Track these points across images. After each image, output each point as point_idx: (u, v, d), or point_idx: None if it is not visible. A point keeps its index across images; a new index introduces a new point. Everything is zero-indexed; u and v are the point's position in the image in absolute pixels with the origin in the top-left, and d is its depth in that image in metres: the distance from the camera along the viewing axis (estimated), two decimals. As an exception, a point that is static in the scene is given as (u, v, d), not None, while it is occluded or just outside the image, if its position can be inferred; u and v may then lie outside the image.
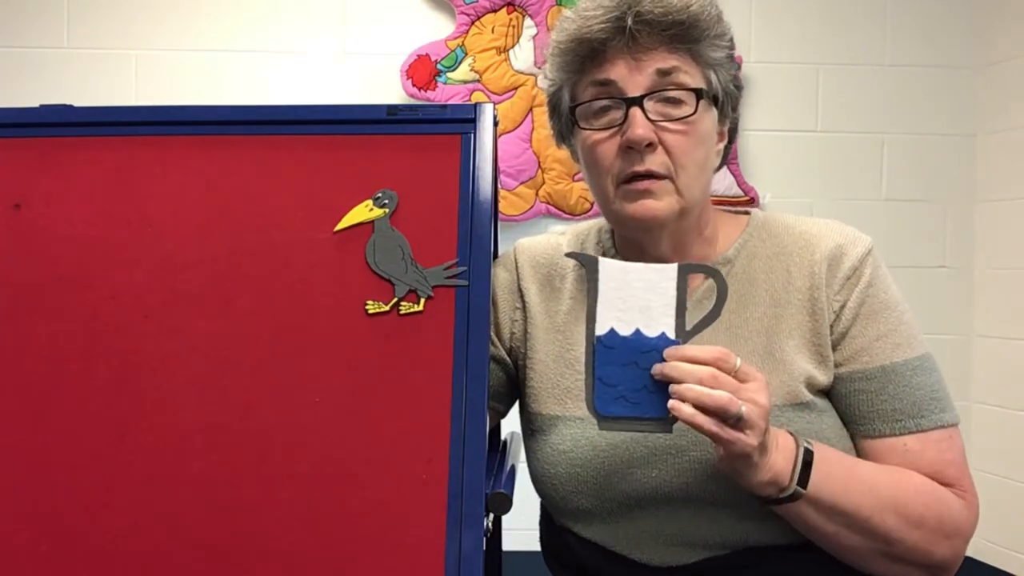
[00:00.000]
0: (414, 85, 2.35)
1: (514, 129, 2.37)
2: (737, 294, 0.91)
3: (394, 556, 0.79)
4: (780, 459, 0.79)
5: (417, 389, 0.81)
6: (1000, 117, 2.43)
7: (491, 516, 0.84)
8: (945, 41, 2.48)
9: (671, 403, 0.70)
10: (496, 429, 1.04)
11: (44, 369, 0.84)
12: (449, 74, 2.36)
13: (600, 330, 0.70)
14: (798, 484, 0.78)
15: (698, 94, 0.85)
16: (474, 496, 0.80)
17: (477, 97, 2.36)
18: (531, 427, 0.98)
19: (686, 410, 0.70)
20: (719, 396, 0.70)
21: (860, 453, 0.89)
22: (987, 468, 2.45)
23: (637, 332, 0.71)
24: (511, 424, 1.06)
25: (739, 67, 0.92)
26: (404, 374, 0.80)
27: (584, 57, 0.88)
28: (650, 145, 0.84)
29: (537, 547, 1.05)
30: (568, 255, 0.85)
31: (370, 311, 0.83)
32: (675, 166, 0.86)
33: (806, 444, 0.81)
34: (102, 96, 2.37)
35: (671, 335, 0.71)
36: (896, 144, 2.49)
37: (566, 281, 0.98)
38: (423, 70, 2.36)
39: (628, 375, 0.69)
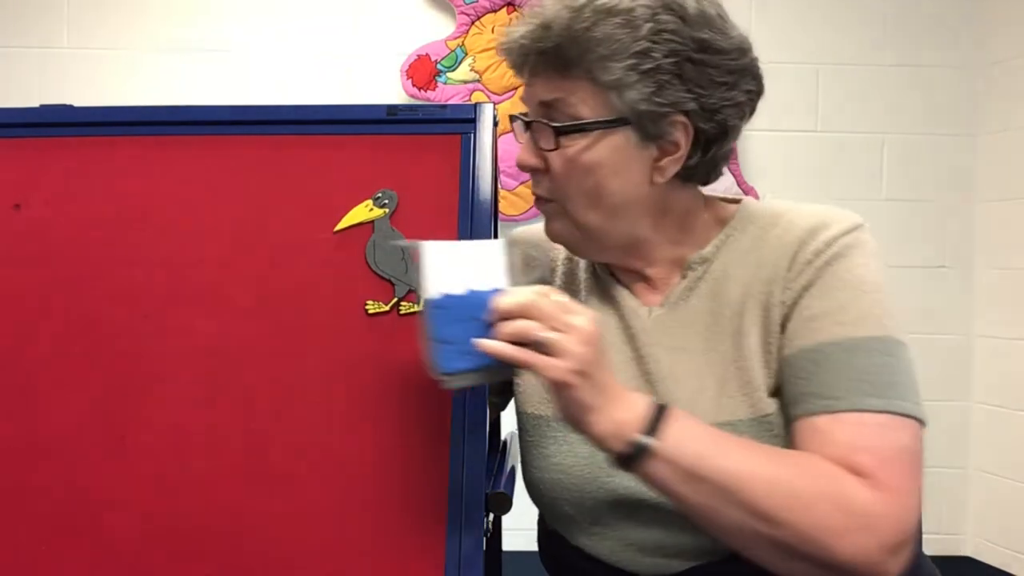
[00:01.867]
0: (414, 85, 2.35)
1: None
2: (711, 294, 0.86)
3: (394, 556, 0.79)
4: (624, 409, 0.72)
5: (417, 389, 0.81)
6: (1000, 117, 2.43)
7: (491, 516, 0.84)
8: (945, 41, 2.48)
9: (478, 341, 0.70)
10: (496, 429, 1.04)
11: (44, 369, 0.84)
12: (449, 74, 2.36)
13: (432, 294, 0.71)
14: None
15: (558, 131, 0.80)
16: (474, 496, 0.80)
17: (477, 97, 2.36)
18: (520, 427, 0.97)
19: (490, 345, 0.70)
20: (519, 325, 0.70)
21: None
22: (987, 468, 2.45)
23: (470, 291, 0.72)
24: (511, 424, 1.06)
25: (678, 75, 0.80)
26: (404, 374, 0.80)
27: (512, 69, 0.87)
28: (538, 169, 0.84)
29: (537, 547, 1.05)
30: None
31: (370, 311, 0.83)
32: (559, 192, 0.83)
33: (662, 402, 0.75)
34: (101, 96, 2.37)
35: (504, 288, 0.73)
36: (896, 144, 2.49)
37: (556, 275, 0.97)
38: (423, 70, 2.36)
39: (466, 330, 0.70)
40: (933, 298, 2.48)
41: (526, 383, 0.94)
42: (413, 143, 0.88)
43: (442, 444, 0.80)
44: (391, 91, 2.37)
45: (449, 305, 0.71)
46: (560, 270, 0.97)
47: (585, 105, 0.80)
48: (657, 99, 0.79)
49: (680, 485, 0.72)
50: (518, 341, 0.70)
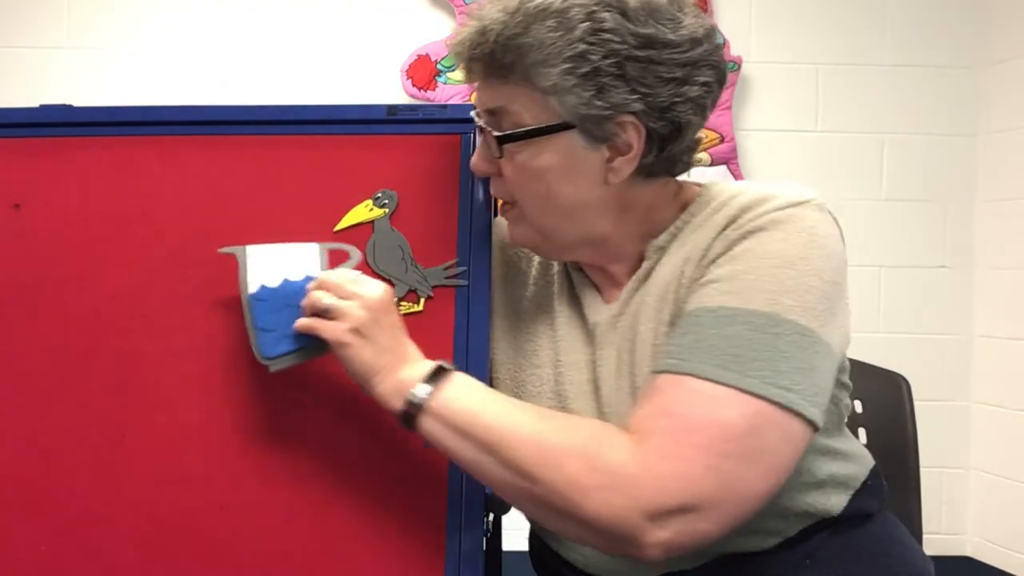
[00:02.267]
0: (414, 85, 2.35)
1: (514, 129, 2.37)
2: (662, 283, 0.82)
3: (394, 556, 0.79)
4: (407, 370, 0.76)
5: (417, 389, 0.81)
6: (1000, 117, 2.43)
7: (491, 516, 0.84)
8: (945, 41, 2.48)
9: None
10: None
11: (44, 369, 0.84)
12: (449, 74, 2.36)
13: (251, 289, 0.79)
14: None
15: (501, 140, 0.78)
16: (474, 496, 0.80)
17: (477, 97, 2.36)
18: None
19: (297, 322, 0.78)
20: (311, 296, 0.77)
21: None
22: (987, 468, 2.45)
23: (285, 281, 0.79)
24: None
25: (620, 75, 0.75)
26: (404, 374, 0.80)
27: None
28: (493, 174, 0.82)
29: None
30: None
31: (370, 311, 0.83)
32: (515, 195, 0.82)
33: (447, 364, 0.77)
34: (100, 96, 2.38)
35: (315, 275, 0.79)
36: (896, 144, 2.49)
37: (532, 265, 0.94)
38: (423, 70, 2.36)
39: (283, 317, 0.77)
40: (933, 298, 2.48)
41: (496, 373, 0.92)
42: (413, 143, 0.88)
43: (442, 444, 0.80)
44: (391, 91, 2.37)
45: (266, 296, 0.78)
46: (535, 263, 0.95)
47: (527, 111, 0.78)
48: (599, 102, 0.75)
49: (450, 442, 0.74)
50: (316, 315, 0.76)
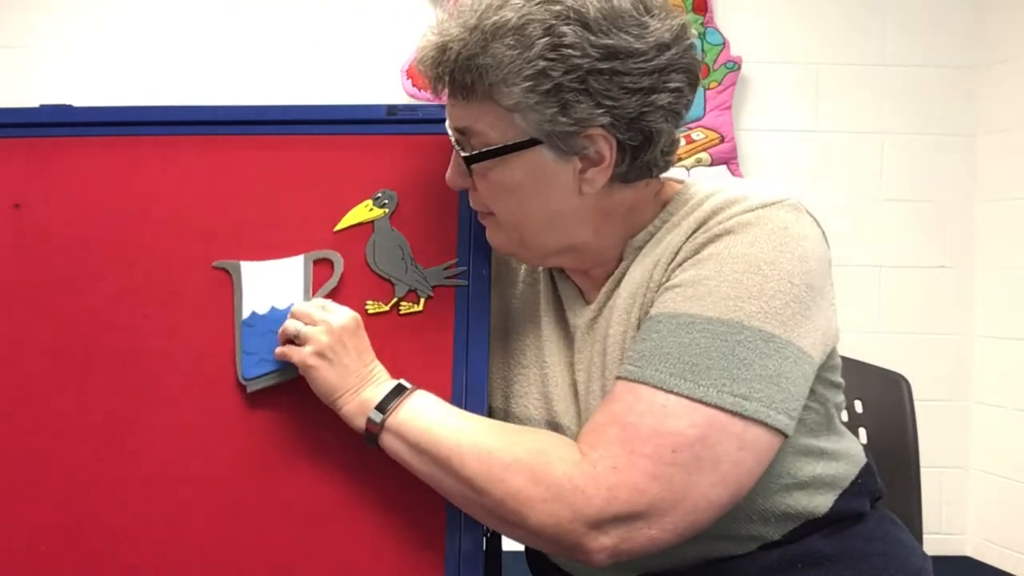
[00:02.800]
0: (414, 85, 2.36)
1: (514, 129, 2.37)
2: (633, 287, 0.81)
3: (394, 556, 0.79)
4: (370, 390, 0.79)
5: (417, 389, 0.81)
6: (1000, 117, 2.43)
7: (491, 516, 0.84)
8: (945, 41, 2.48)
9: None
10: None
11: (44, 369, 0.84)
12: (449, 74, 2.36)
13: (244, 315, 0.84)
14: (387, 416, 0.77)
15: (468, 160, 0.78)
16: (474, 496, 0.80)
17: (477, 97, 2.36)
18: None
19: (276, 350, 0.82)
20: (285, 325, 0.81)
21: None
22: (987, 468, 2.45)
23: (272, 308, 0.84)
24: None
25: (584, 90, 0.73)
26: (404, 374, 0.80)
27: None
28: (467, 187, 0.82)
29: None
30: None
31: (370, 311, 0.83)
32: (490, 208, 0.81)
33: (407, 383, 0.80)
34: (100, 95, 2.38)
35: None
36: (896, 144, 2.49)
37: (521, 264, 0.94)
38: (423, 70, 2.36)
39: (266, 342, 0.83)
40: (933, 298, 2.48)
41: (490, 379, 0.91)
42: (413, 143, 0.88)
43: (442, 444, 0.80)
44: (391, 91, 2.37)
45: (254, 323, 0.84)
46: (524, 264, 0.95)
47: (493, 130, 0.76)
48: (563, 119, 0.73)
49: (408, 456, 0.77)
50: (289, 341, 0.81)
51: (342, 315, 0.80)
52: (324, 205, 0.86)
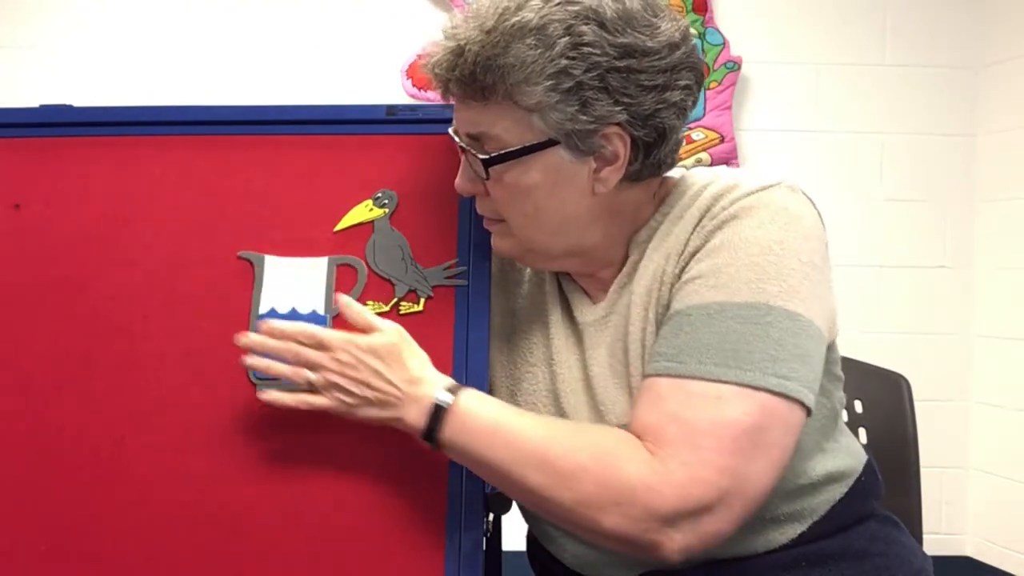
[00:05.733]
0: (414, 85, 2.35)
1: (514, 129, 2.36)
2: (647, 283, 0.82)
3: (394, 556, 0.79)
4: (415, 411, 0.76)
5: (417, 389, 0.81)
6: (1000, 117, 2.43)
7: (491, 516, 0.84)
8: (945, 41, 2.48)
9: (259, 394, 0.80)
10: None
11: (44, 369, 0.84)
12: (449, 74, 2.36)
13: (262, 311, 0.83)
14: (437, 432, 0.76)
15: (486, 162, 0.77)
16: (474, 496, 0.80)
17: (477, 97, 2.36)
18: None
19: (267, 396, 0.79)
20: (279, 368, 0.78)
21: None
22: (987, 468, 2.45)
23: (292, 310, 0.83)
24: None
25: (602, 88, 0.75)
26: (404, 374, 0.80)
27: None
28: (478, 193, 0.81)
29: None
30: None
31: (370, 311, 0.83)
32: (502, 213, 0.81)
33: (443, 397, 0.76)
34: (101, 95, 2.38)
35: (321, 312, 0.84)
36: (896, 144, 2.49)
37: (526, 269, 0.94)
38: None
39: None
40: (933, 298, 2.48)
41: (496, 377, 0.92)
42: (413, 143, 0.88)
43: (442, 444, 0.80)
44: (391, 91, 2.37)
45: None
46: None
47: (510, 132, 0.77)
48: (583, 117, 0.75)
49: (469, 465, 0.77)
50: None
51: (356, 348, 0.77)
52: (324, 205, 0.86)
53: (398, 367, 0.77)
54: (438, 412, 0.76)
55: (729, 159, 2.41)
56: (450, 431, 0.75)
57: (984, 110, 2.47)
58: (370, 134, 0.88)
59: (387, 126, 0.89)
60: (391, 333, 0.78)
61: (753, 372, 0.72)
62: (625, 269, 0.84)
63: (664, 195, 0.85)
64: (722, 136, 2.41)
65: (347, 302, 0.80)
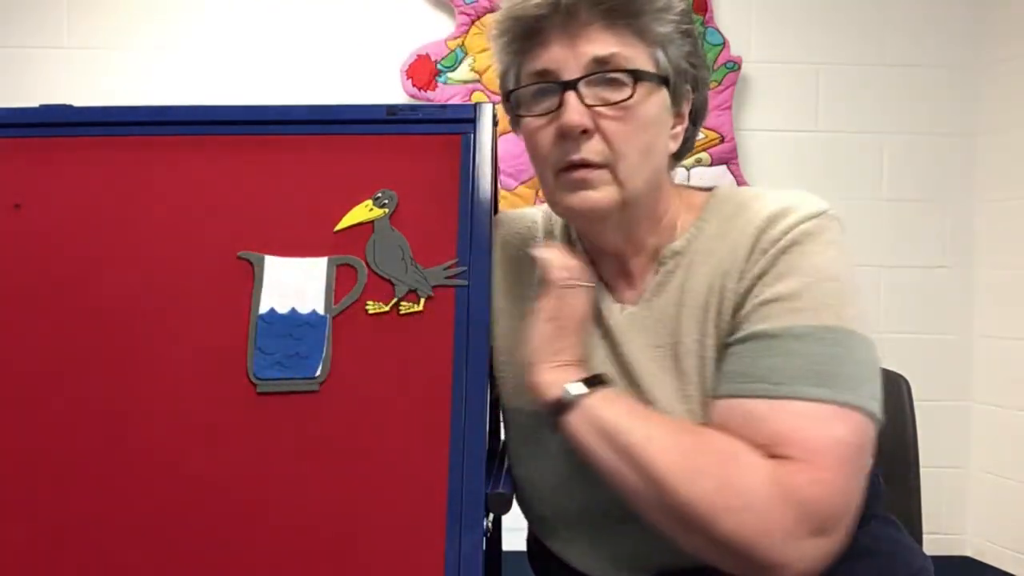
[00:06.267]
0: (414, 85, 2.35)
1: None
2: (682, 288, 0.84)
3: (394, 556, 0.79)
4: (573, 369, 0.81)
5: (417, 389, 0.81)
6: (1000, 117, 2.43)
7: (491, 516, 0.84)
8: (945, 41, 2.48)
9: None
10: (495, 429, 1.04)
11: (44, 369, 0.84)
12: (449, 74, 2.36)
13: (262, 311, 0.83)
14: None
15: (636, 76, 0.79)
16: (474, 496, 0.80)
17: (477, 97, 2.36)
18: (504, 422, 0.96)
19: None
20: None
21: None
22: (987, 468, 2.45)
23: (292, 310, 0.83)
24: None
25: (698, 40, 0.85)
26: (404, 374, 0.80)
27: (521, 38, 0.83)
28: (586, 132, 0.79)
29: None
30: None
31: (370, 311, 0.83)
32: (613, 154, 0.80)
33: (606, 376, 0.81)
34: (99, 96, 2.37)
35: (321, 312, 0.83)
36: (896, 144, 2.49)
37: (536, 265, 0.95)
38: (423, 70, 2.36)
39: (283, 344, 0.82)
40: (933, 298, 2.48)
41: (500, 373, 0.93)
42: (413, 143, 0.88)
43: (442, 444, 0.80)
44: (391, 91, 2.37)
45: (273, 320, 0.83)
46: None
47: (637, 61, 0.80)
48: (690, 60, 0.83)
49: (593, 440, 0.76)
50: None
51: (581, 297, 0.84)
52: (324, 205, 0.86)
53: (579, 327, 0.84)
54: (598, 378, 0.80)
55: (729, 159, 2.41)
56: (601, 395, 0.78)
57: (984, 110, 2.47)
58: (370, 134, 0.88)
59: (387, 126, 0.89)
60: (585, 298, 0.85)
61: (846, 393, 0.73)
62: (661, 274, 0.86)
63: (693, 206, 0.88)
64: (722, 136, 2.41)
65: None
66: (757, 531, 0.70)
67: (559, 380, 0.79)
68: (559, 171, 0.82)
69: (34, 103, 0.92)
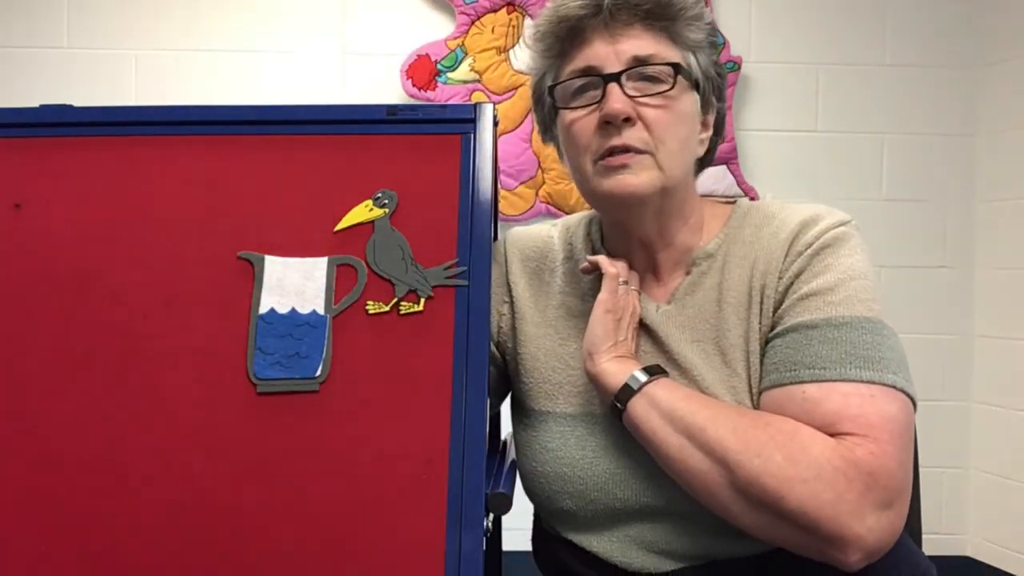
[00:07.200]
0: (414, 85, 2.35)
1: (514, 129, 2.37)
2: (717, 288, 0.89)
3: (394, 556, 0.79)
4: (632, 361, 0.86)
5: (417, 389, 0.81)
6: (1000, 117, 2.43)
7: (491, 516, 0.84)
8: (945, 41, 2.48)
9: None
10: (496, 429, 1.04)
11: (44, 369, 0.84)
12: (449, 74, 2.36)
13: (262, 311, 0.83)
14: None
15: (676, 68, 0.85)
16: (474, 496, 0.80)
17: (477, 97, 2.36)
18: (522, 422, 0.98)
19: None
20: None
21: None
22: (987, 468, 2.45)
23: (292, 310, 0.84)
24: (511, 425, 1.06)
25: (719, 54, 0.93)
26: (404, 374, 0.80)
27: (563, 39, 0.88)
28: (628, 120, 0.84)
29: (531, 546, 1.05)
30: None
31: (370, 311, 0.83)
32: (654, 140, 0.85)
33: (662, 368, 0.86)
34: (101, 96, 2.37)
35: (321, 312, 0.84)
36: (896, 144, 2.49)
37: (555, 275, 0.98)
38: (423, 70, 2.36)
39: (283, 344, 0.82)
40: (933, 298, 2.48)
41: (528, 379, 0.95)
42: (413, 143, 0.88)
43: (442, 444, 0.80)
44: (391, 91, 2.37)
45: (273, 320, 0.83)
46: (560, 271, 0.98)
47: (673, 61, 0.86)
48: (716, 70, 0.89)
49: (657, 424, 0.80)
50: None
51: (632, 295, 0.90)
52: (324, 205, 0.86)
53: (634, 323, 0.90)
54: (657, 368, 0.86)
55: (729, 159, 2.41)
56: (664, 382, 0.83)
57: (984, 110, 2.47)
58: (370, 134, 0.88)
59: (387, 126, 0.88)
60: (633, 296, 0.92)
61: (889, 375, 0.77)
62: (694, 274, 0.91)
63: (719, 215, 0.95)
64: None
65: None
66: (826, 501, 0.71)
67: (622, 370, 0.84)
68: (599, 158, 0.86)
69: (34, 103, 0.92)
